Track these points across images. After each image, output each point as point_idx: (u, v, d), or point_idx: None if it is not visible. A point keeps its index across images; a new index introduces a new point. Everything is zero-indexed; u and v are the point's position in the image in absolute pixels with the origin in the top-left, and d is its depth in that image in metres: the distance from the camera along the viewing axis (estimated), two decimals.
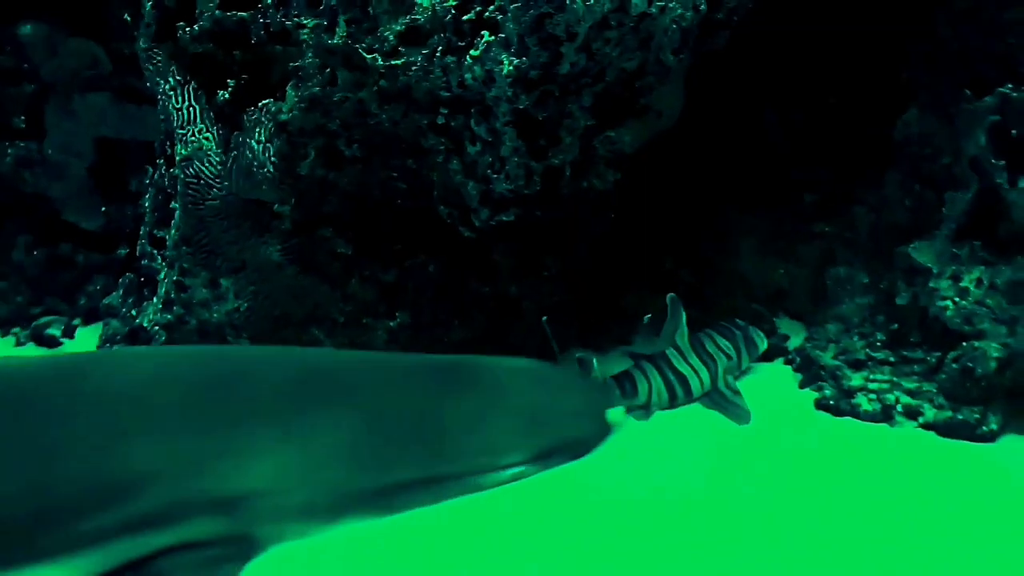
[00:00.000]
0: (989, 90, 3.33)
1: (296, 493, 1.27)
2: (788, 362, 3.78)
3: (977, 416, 3.22)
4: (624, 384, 3.46)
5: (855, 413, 3.38)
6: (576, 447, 1.54)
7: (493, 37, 2.66)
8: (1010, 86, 3.27)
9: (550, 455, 1.52)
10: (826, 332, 3.71)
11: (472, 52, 2.70)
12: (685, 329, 3.55)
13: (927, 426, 3.28)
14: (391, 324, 3.43)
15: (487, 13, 2.69)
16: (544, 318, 2.89)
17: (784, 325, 3.96)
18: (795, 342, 3.84)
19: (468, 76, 2.77)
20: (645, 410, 3.48)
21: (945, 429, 3.25)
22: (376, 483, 1.36)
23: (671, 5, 2.94)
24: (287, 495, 1.27)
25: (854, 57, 3.93)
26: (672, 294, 3.55)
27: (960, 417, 3.23)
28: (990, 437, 3.21)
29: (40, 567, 1.21)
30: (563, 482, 3.09)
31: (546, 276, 3.52)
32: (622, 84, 3.02)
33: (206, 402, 1.28)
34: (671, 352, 3.54)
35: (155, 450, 1.24)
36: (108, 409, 1.26)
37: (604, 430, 1.63)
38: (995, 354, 3.19)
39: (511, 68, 2.63)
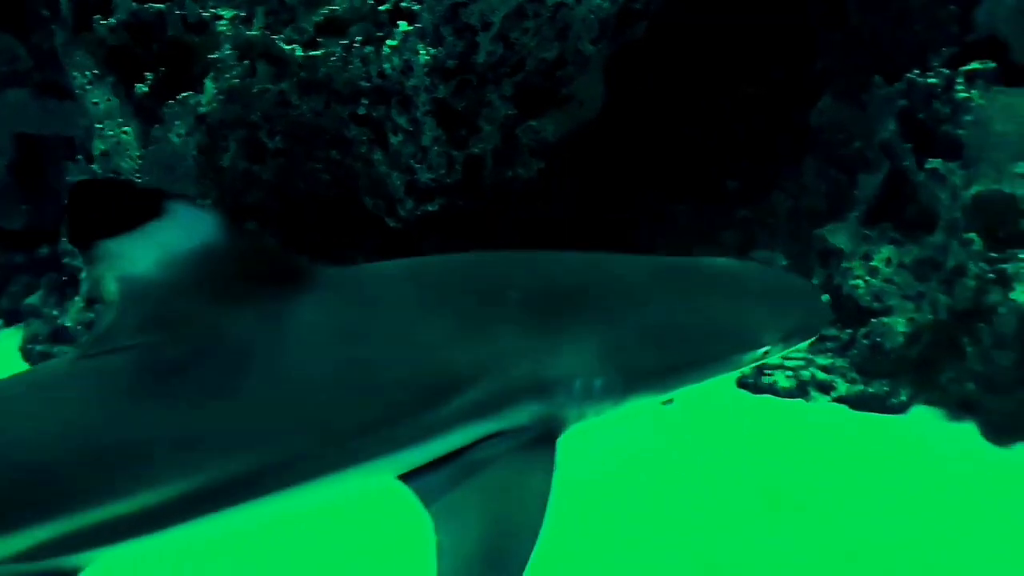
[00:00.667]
0: (899, 77, 3.49)
1: (599, 376, 1.46)
2: None
3: (887, 389, 3.37)
4: None
5: (773, 390, 3.51)
6: (808, 329, 1.75)
7: (410, 27, 2.68)
8: (917, 72, 3.43)
9: (790, 336, 1.70)
10: None
11: (390, 42, 2.72)
12: None
13: (840, 399, 3.43)
14: None
15: (403, 3, 2.71)
16: None
17: None
18: None
19: (387, 66, 2.78)
20: None
21: (857, 402, 3.40)
22: (660, 364, 1.55)
23: None
24: (592, 378, 1.45)
25: (772, 47, 4.05)
26: None
27: (871, 390, 3.38)
28: (900, 408, 3.37)
29: (396, 456, 1.38)
30: None
31: None
32: (542, 74, 3.07)
33: (526, 299, 1.48)
34: None
35: (490, 343, 1.42)
36: (452, 305, 1.44)
37: (826, 314, 1.92)
38: (902, 329, 3.35)
39: (428, 58, 2.66)
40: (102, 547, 1.33)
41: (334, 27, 2.83)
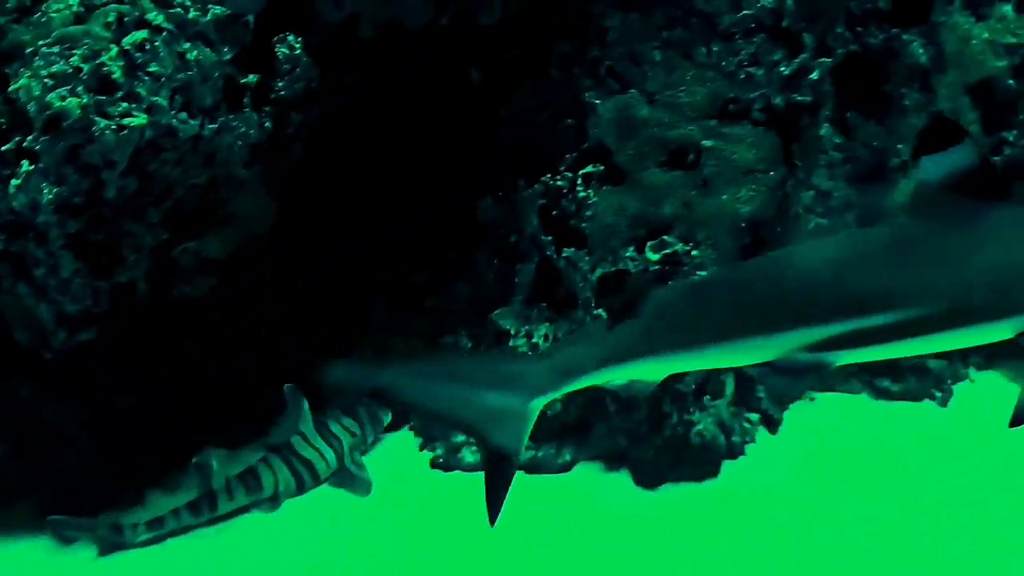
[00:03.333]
0: (537, 179, 4.06)
1: None
2: (411, 428, 4.15)
3: (553, 451, 3.81)
4: (248, 480, 3.57)
5: (461, 466, 3.82)
6: None
7: (32, 167, 2.71)
8: (549, 175, 4.02)
9: None
10: None
11: (14, 181, 2.72)
12: (308, 415, 3.76)
13: (518, 467, 3.80)
14: None
15: (26, 143, 2.73)
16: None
17: None
18: None
19: (16, 203, 2.77)
20: (272, 502, 3.61)
21: (530, 467, 3.79)
22: None
23: (233, 124, 3.21)
24: None
25: (443, 152, 4.51)
26: (289, 384, 3.76)
27: (540, 455, 3.80)
28: (566, 467, 3.82)
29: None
30: None
31: (159, 383, 3.54)
32: (196, 198, 3.20)
33: None
34: (296, 439, 3.73)
35: None
36: None
37: None
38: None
39: (51, 196, 2.70)
40: (847, 350, 2.00)
41: None
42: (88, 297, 2.91)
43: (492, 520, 2.21)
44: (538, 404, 2.20)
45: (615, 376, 2.19)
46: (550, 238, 3.96)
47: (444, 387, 2.18)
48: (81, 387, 3.34)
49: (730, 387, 3.88)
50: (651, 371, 2.21)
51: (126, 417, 3.50)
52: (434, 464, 3.88)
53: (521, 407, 2.19)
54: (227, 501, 3.49)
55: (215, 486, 3.50)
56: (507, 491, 2.26)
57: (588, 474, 3.82)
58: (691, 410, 3.70)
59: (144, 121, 2.73)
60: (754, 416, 4.10)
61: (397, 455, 3.99)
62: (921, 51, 4.10)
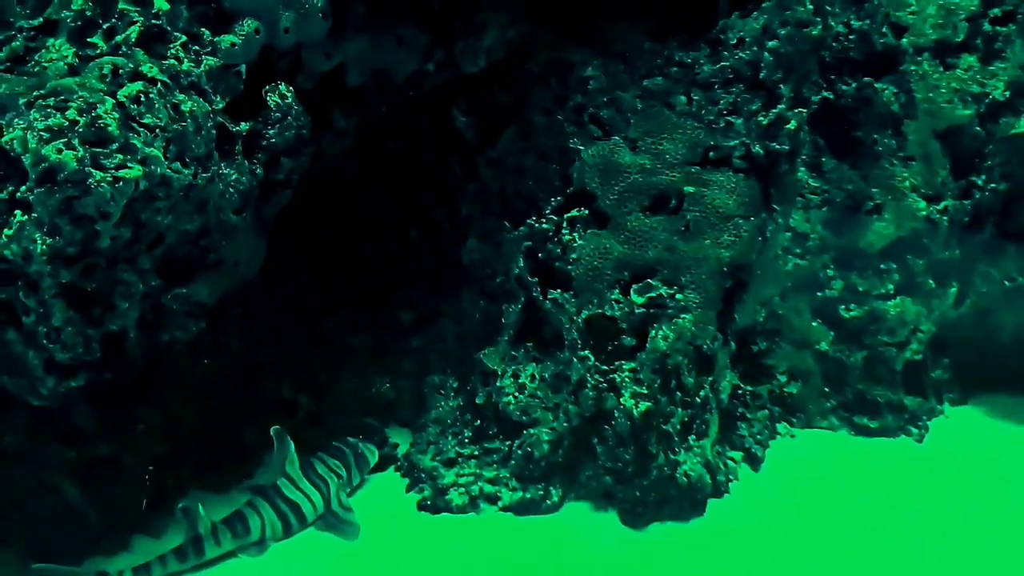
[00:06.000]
0: (522, 222, 4.14)
1: None
2: (398, 469, 4.15)
3: (541, 492, 3.84)
4: (235, 524, 3.55)
5: (448, 508, 3.83)
6: None
7: (26, 217, 2.72)
8: (534, 218, 4.09)
9: None
10: (427, 435, 4.17)
11: (6, 231, 2.73)
12: (295, 457, 3.76)
13: (505, 508, 3.83)
14: None
15: (19, 194, 2.75)
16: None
17: (395, 434, 4.34)
18: (403, 449, 4.24)
19: (8, 252, 2.78)
20: (259, 546, 3.59)
21: (519, 508, 3.82)
22: None
23: (225, 172, 3.25)
24: None
25: (428, 195, 4.58)
26: (276, 427, 3.76)
27: (528, 496, 3.83)
28: (554, 508, 3.84)
29: None
30: None
31: (143, 429, 3.53)
32: (188, 244, 3.23)
33: None
34: (282, 482, 3.72)
35: None
36: None
37: None
38: (546, 437, 3.86)
39: (44, 247, 2.71)
40: None
41: None
42: (80, 345, 2.91)
43: None
44: None
45: None
46: (536, 280, 4.03)
47: None
48: (67, 433, 3.32)
49: (714, 427, 3.95)
50: None
51: (112, 463, 3.48)
52: (421, 506, 3.88)
53: None
54: (214, 546, 3.47)
55: (201, 531, 3.47)
56: None
57: (576, 514, 3.85)
58: (677, 450, 3.76)
59: (139, 173, 2.75)
60: (737, 455, 4.17)
61: (383, 497, 3.99)
62: (892, 99, 4.28)
